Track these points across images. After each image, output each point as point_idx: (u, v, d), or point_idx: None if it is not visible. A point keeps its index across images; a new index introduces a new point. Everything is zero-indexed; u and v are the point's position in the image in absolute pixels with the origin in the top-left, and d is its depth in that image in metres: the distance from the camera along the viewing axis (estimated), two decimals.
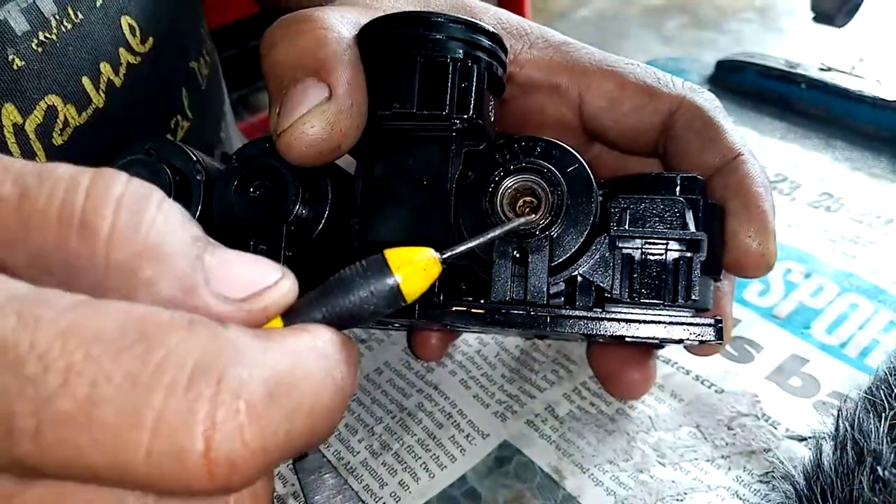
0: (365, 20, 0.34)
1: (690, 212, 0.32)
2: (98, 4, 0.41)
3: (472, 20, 0.34)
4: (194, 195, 0.36)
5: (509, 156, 0.33)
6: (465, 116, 0.33)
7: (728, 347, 0.46)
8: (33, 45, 0.37)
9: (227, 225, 0.35)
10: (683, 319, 0.32)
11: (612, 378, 0.42)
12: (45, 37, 0.38)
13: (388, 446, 0.42)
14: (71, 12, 0.39)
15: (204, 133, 0.54)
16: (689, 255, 0.32)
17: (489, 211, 0.32)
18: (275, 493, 0.39)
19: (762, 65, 0.71)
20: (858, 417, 0.37)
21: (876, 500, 0.33)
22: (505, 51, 0.36)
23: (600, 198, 0.33)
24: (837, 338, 0.47)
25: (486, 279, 0.32)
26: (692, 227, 0.32)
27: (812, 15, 1.34)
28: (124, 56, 0.43)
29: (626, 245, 0.32)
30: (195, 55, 0.53)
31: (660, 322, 0.32)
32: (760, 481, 0.38)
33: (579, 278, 0.33)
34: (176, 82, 0.50)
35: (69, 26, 0.39)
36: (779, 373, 0.45)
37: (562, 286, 0.33)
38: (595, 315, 0.32)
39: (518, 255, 0.32)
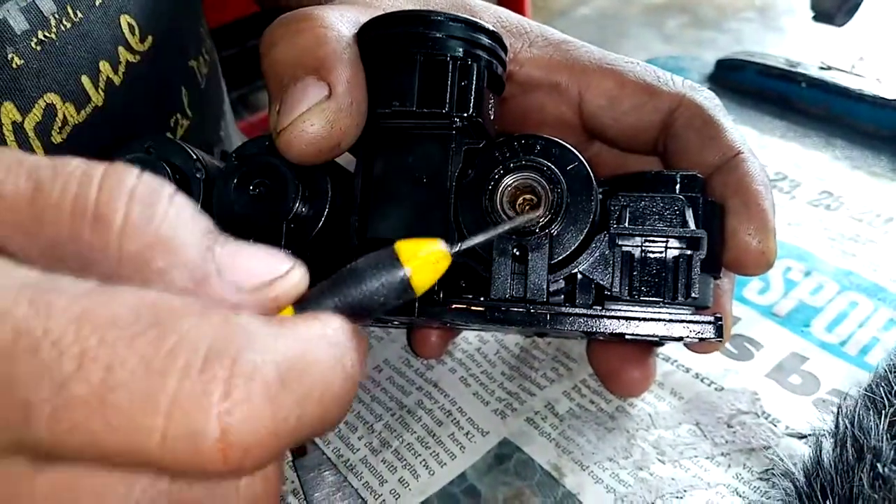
0: (365, 18, 0.34)
1: (690, 210, 0.32)
2: (97, 3, 0.41)
3: (472, 18, 0.34)
4: (194, 193, 0.36)
5: (509, 154, 0.33)
6: (465, 115, 0.33)
7: (728, 345, 0.46)
8: (32, 43, 0.37)
9: (227, 223, 0.35)
10: (683, 317, 0.32)
11: (611, 376, 0.42)
12: (45, 35, 0.38)
13: (387, 444, 0.42)
14: (70, 11, 0.39)
15: (203, 132, 0.54)
16: (688, 252, 0.32)
17: (489, 209, 0.32)
18: None
19: (762, 63, 0.71)
20: (858, 415, 0.37)
21: (876, 496, 0.33)
22: (505, 49, 0.36)
23: (600, 196, 0.33)
24: (837, 336, 0.47)
25: (485, 277, 0.32)
26: (692, 225, 0.32)
27: (812, 14, 1.34)
28: (123, 55, 0.43)
29: (625, 243, 0.32)
30: (195, 54, 0.53)
31: (660, 320, 0.32)
32: (760, 479, 0.38)
33: (579, 276, 0.33)
34: (175, 81, 0.50)
35: (68, 25, 0.39)
36: (779, 370, 0.45)
37: (562, 284, 0.33)
38: (595, 313, 0.32)
39: (518, 253, 0.32)
